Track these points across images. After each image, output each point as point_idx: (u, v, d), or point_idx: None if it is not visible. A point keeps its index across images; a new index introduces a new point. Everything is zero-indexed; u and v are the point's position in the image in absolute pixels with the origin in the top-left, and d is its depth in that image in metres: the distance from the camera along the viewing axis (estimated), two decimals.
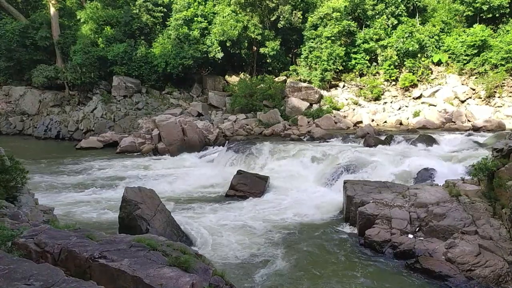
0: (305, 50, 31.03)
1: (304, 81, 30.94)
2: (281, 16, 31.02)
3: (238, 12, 31.69)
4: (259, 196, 15.03)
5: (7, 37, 33.31)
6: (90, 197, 15.06)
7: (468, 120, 26.00)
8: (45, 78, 32.87)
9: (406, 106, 29.03)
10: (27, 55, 34.35)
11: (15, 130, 33.15)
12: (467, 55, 28.55)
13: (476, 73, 28.64)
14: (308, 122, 27.40)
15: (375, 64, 30.89)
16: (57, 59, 34.91)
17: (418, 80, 29.74)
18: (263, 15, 32.22)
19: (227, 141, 23.65)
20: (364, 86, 30.18)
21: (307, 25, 30.82)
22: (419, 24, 31.01)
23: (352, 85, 30.82)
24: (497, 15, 29.25)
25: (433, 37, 29.86)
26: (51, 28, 34.24)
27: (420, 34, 29.52)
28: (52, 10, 33.98)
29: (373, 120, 27.80)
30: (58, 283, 4.24)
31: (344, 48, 29.97)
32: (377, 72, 30.75)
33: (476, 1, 28.91)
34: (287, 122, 27.67)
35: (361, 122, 27.55)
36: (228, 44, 31.17)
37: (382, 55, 30.00)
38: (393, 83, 30.22)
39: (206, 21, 32.13)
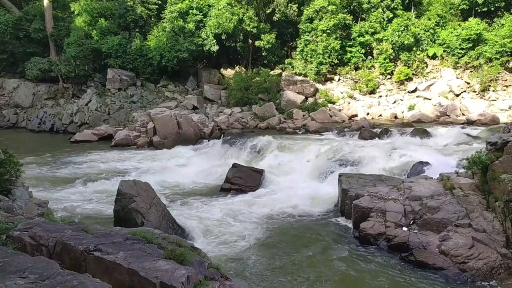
0: (300, 44, 30.95)
1: (300, 74, 30.88)
2: (277, 9, 30.91)
3: (234, 4, 31.52)
4: (254, 190, 15.06)
5: (0, 29, 32.99)
6: (85, 190, 15.02)
7: (463, 114, 26.07)
8: (39, 70, 32.64)
9: (401, 100, 29.07)
10: (21, 48, 34.09)
11: (9, 123, 32.90)
12: (462, 48, 28.57)
13: (471, 67, 28.68)
14: (304, 116, 27.40)
15: (371, 57, 30.86)
16: (51, 52, 34.66)
17: (413, 74, 29.75)
18: (258, 8, 32.07)
19: (222, 135, 23.61)
20: (359, 79, 30.18)
21: (303, 18, 30.71)
22: (415, 17, 30.96)
23: (347, 78, 30.80)
24: (492, 8, 29.23)
25: (428, 31, 29.83)
26: (44, 20, 33.96)
27: (415, 28, 29.48)
28: (46, 2, 33.67)
29: (368, 114, 27.84)
30: (53, 276, 4.24)
31: (340, 42, 29.91)
32: (373, 66, 30.74)
33: None
34: (282, 115, 27.66)
35: (356, 115, 27.58)
36: (223, 37, 31.03)
37: (378, 49, 29.97)
38: (388, 76, 30.23)
39: (201, 14, 31.94)
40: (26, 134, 30.26)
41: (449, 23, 30.41)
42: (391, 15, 30.51)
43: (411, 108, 27.70)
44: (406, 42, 29.07)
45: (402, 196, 11.15)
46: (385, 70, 29.92)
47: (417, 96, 28.86)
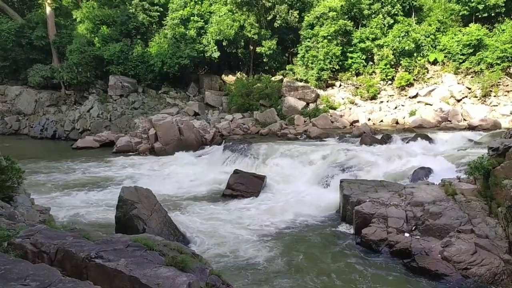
0: (301, 50, 31.05)
1: (301, 80, 30.94)
2: (278, 16, 31.03)
3: (235, 11, 31.67)
4: (256, 196, 15.04)
5: (2, 36, 33.21)
6: (87, 197, 15.02)
7: (464, 119, 26.09)
8: (41, 77, 32.78)
9: (402, 105, 29.09)
10: (23, 55, 34.28)
11: (11, 130, 32.97)
12: (463, 54, 28.61)
13: (472, 72, 28.71)
14: (305, 122, 27.42)
15: (372, 63, 30.93)
16: (53, 59, 34.82)
17: (414, 79, 29.79)
18: (259, 14, 32.20)
19: (223, 141, 23.63)
20: (360, 85, 30.22)
21: (304, 25, 30.82)
22: (415, 23, 31.05)
23: (348, 84, 30.84)
24: (492, 14, 29.29)
25: (429, 36, 29.92)
26: (47, 27, 34.16)
27: (416, 34, 29.57)
28: (48, 9, 33.88)
29: (369, 119, 27.86)
30: (54, 283, 4.23)
31: (341, 48, 29.98)
32: (374, 71, 30.79)
33: (472, 1, 28.94)
34: (283, 121, 27.68)
35: (357, 121, 27.60)
36: (224, 44, 31.16)
37: (378, 55, 30.04)
38: (389, 82, 30.26)
39: (202, 21, 32.10)
40: (28, 141, 30.31)
41: (449, 28, 30.50)
42: (391, 21, 30.63)
43: (412, 113, 27.71)
44: (406, 47, 29.14)
45: (404, 202, 11.13)
46: (386, 76, 29.97)
47: (418, 102, 28.88)
